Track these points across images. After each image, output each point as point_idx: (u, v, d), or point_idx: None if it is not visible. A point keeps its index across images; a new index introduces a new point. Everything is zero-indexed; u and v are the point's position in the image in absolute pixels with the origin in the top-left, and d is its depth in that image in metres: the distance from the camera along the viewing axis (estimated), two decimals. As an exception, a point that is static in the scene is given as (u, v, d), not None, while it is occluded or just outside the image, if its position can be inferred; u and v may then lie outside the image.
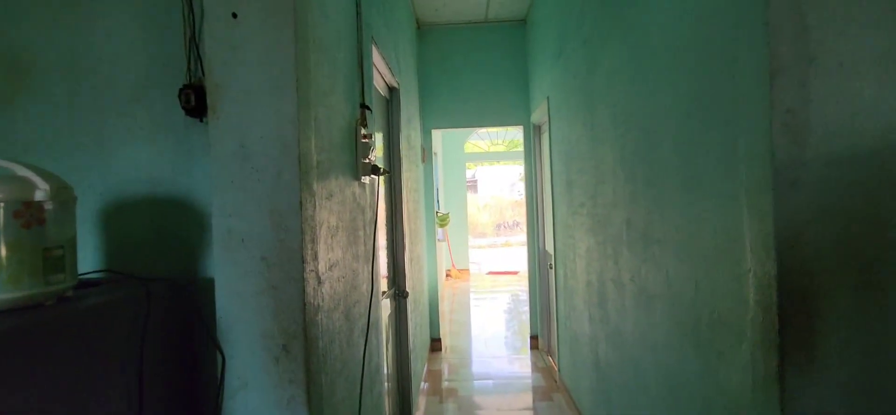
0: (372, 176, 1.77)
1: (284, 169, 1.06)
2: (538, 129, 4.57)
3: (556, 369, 3.94)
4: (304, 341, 1.05)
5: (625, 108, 2.08)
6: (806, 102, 1.06)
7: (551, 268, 4.06)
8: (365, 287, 1.67)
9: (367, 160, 1.71)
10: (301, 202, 1.06)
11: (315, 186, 1.16)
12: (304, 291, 1.04)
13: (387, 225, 2.84)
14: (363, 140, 1.68)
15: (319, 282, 1.17)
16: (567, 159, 3.27)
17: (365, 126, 1.72)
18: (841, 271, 1.06)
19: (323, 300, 1.20)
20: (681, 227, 1.58)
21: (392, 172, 2.95)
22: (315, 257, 1.13)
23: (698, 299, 1.48)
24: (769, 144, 1.07)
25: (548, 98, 3.79)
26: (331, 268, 1.30)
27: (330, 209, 1.32)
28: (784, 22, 1.05)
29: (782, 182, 1.06)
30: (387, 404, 2.34)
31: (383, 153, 2.81)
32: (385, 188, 2.80)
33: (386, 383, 2.33)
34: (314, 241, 1.13)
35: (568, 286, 3.44)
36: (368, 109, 1.79)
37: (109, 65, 1.19)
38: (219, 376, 1.05)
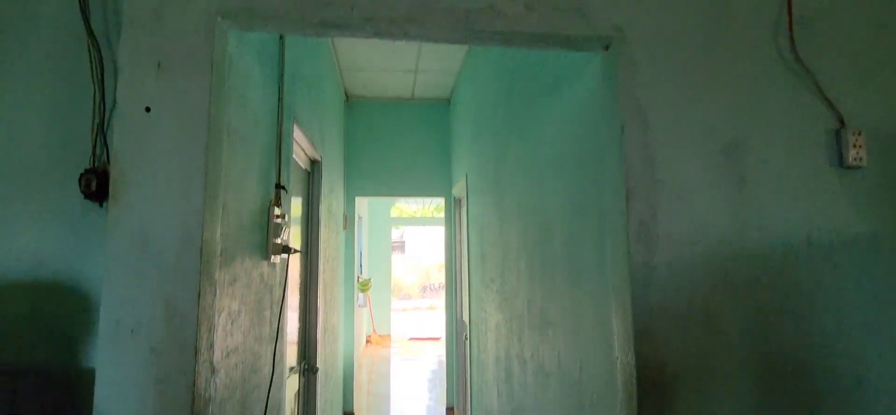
0: (283, 255, 1.79)
1: (184, 258, 1.07)
2: (459, 202, 4.79)
3: (470, 442, 3.95)
4: (190, 437, 1.03)
5: (527, 198, 2.29)
6: (654, 217, 1.28)
7: (466, 340, 4.15)
8: (267, 370, 1.65)
9: (279, 240, 1.73)
10: (200, 292, 1.07)
11: (217, 274, 1.18)
12: (194, 383, 1.03)
13: (300, 295, 2.80)
14: (276, 220, 1.71)
15: (213, 371, 1.16)
16: (481, 234, 3.46)
17: (279, 206, 1.76)
18: (685, 361, 1.25)
19: (216, 391, 1.19)
20: (569, 312, 1.75)
21: (310, 241, 2.95)
22: (210, 347, 1.13)
23: (583, 380, 1.63)
24: (627, 249, 1.27)
25: (466, 175, 4.03)
26: (228, 355, 1.29)
27: (232, 294, 1.33)
28: (636, 154, 1.28)
29: (637, 282, 1.25)
30: (287, 489, 2.23)
31: (301, 223, 2.82)
32: (301, 260, 2.78)
33: (288, 467, 2.22)
34: (211, 330, 1.13)
35: (481, 360, 3.53)
36: (284, 188, 1.84)
37: (3, 144, 1.16)
38: (91, 476, 1.00)
